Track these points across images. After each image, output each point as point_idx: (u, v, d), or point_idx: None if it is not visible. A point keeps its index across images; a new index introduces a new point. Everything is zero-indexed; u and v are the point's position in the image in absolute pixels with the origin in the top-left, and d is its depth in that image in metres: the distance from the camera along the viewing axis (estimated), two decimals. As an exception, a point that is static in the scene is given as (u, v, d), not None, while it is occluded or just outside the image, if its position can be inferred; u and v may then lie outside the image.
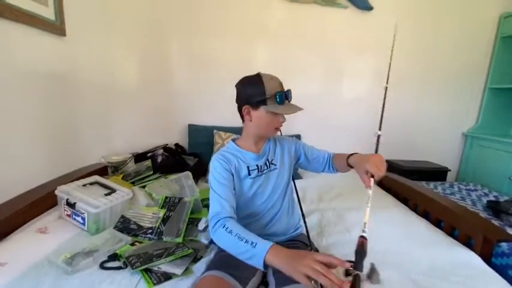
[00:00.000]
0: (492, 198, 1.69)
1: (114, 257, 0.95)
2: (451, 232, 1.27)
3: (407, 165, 2.22)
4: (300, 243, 1.01)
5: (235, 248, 0.74)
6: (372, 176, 0.78)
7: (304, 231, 1.08)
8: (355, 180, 1.11)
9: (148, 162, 1.72)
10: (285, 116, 0.93)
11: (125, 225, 1.13)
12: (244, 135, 0.99)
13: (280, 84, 0.92)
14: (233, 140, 1.01)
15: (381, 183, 1.99)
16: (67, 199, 1.11)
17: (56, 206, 1.23)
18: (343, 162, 0.96)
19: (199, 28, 2.09)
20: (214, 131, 2.04)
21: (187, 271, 0.92)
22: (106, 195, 1.17)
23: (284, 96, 0.90)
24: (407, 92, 2.37)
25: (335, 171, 1.07)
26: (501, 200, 1.58)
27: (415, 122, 2.43)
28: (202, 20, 2.09)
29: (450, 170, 2.29)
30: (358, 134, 2.40)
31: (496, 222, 1.35)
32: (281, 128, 0.97)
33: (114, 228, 1.12)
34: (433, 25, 2.28)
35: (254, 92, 0.88)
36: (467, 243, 1.17)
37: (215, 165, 0.92)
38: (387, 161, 2.60)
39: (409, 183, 1.68)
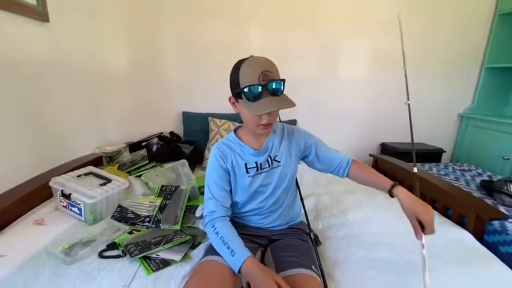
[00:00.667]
0: (486, 178, 1.71)
1: (112, 246, 0.96)
2: (444, 212, 1.29)
3: (402, 147, 2.23)
4: (300, 230, 1.00)
5: (218, 249, 0.81)
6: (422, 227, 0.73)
7: (304, 219, 1.07)
8: None
9: (143, 152, 1.71)
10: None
11: (122, 215, 1.13)
12: (244, 125, 0.91)
13: (262, 73, 0.74)
14: (235, 130, 0.94)
15: (377, 166, 2.01)
16: (62, 190, 1.11)
17: (51, 198, 1.23)
18: (379, 186, 0.88)
19: (191, 11, 2.02)
20: (209, 118, 2.01)
21: (185, 257, 0.93)
22: (101, 185, 1.17)
23: (261, 90, 0.74)
24: (402, 74, 2.32)
25: (345, 177, 0.97)
26: (494, 179, 1.60)
27: (412, 104, 2.41)
28: (194, 3, 2.01)
29: (445, 151, 2.31)
30: (356, 117, 2.40)
31: (489, 201, 1.37)
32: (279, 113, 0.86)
33: (112, 217, 1.12)
34: (430, 4, 2.22)
35: (232, 81, 0.79)
36: (461, 222, 1.19)
37: (212, 160, 0.90)
38: (384, 144, 2.61)
39: (403, 165, 1.70)
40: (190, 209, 1.20)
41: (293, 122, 2.20)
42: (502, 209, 1.29)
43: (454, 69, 2.37)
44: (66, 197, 1.10)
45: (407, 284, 0.85)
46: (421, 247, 0.72)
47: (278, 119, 0.92)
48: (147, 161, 1.63)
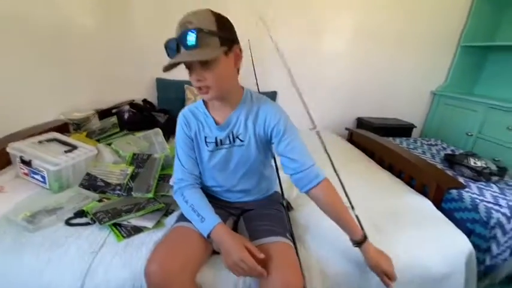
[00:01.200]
0: (449, 152, 1.83)
1: (80, 213, 0.93)
2: (409, 182, 1.37)
3: (377, 122, 2.30)
4: (274, 201, 0.99)
5: (188, 216, 0.80)
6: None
7: (279, 189, 1.05)
8: (325, 138, 1.12)
9: (114, 119, 1.62)
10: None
11: (91, 183, 1.09)
12: None
13: (181, 25, 0.66)
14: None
15: (352, 140, 2.07)
16: (21, 156, 1.03)
17: (11, 165, 1.14)
18: (347, 230, 0.79)
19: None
20: (185, 85, 1.92)
21: (158, 224, 0.92)
22: (66, 152, 1.10)
23: (175, 43, 0.66)
24: (381, 48, 2.33)
25: (303, 192, 0.82)
26: (457, 153, 1.71)
27: (387, 79, 2.45)
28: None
29: (416, 127, 2.42)
30: (335, 91, 2.40)
31: (450, 173, 1.48)
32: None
33: (79, 186, 1.07)
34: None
35: None
36: (423, 191, 1.28)
37: (178, 127, 0.86)
38: (360, 119, 2.66)
39: (375, 138, 1.76)
40: (164, 178, 1.17)
41: (273, 94, 2.16)
42: (461, 179, 1.40)
43: (431, 47, 2.40)
44: (27, 163, 1.02)
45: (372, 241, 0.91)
46: None
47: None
48: (118, 129, 1.56)
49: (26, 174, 1.06)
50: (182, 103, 1.91)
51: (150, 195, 1.05)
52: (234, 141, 0.83)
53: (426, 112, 2.61)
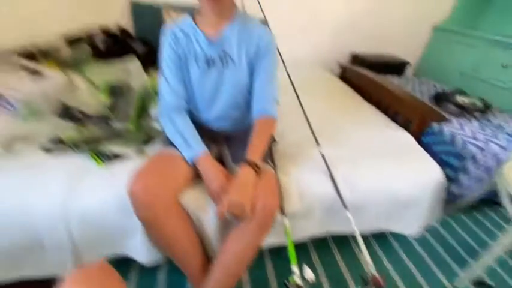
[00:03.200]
0: (440, 91, 1.81)
1: (57, 142, 0.90)
2: (394, 117, 1.38)
3: (371, 58, 2.19)
4: None
5: (174, 140, 0.81)
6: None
7: None
8: (316, 74, 1.05)
9: (86, 48, 1.46)
10: None
11: (67, 113, 1.04)
12: (201, 8, 0.79)
13: None
14: (191, 14, 0.83)
15: (345, 77, 1.99)
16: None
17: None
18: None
19: None
20: (163, 9, 1.70)
21: (141, 152, 0.92)
22: (34, 77, 1.01)
23: None
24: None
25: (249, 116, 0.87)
26: (448, 91, 1.69)
27: (385, 13, 2.24)
28: None
29: (410, 64, 2.33)
30: (328, 24, 2.22)
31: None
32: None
33: (56, 115, 1.02)
34: None
35: None
36: (406, 126, 1.29)
37: (165, 44, 0.81)
38: (355, 54, 2.51)
39: (365, 73, 1.70)
40: (143, 108, 1.13)
41: (263, 22, 1.97)
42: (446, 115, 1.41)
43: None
44: (-8, 90, 0.94)
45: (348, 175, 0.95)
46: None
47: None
48: (92, 60, 1.42)
49: (-7, 102, 0.98)
50: (160, 29, 1.72)
51: (131, 125, 1.02)
52: (226, 62, 0.81)
53: (422, 48, 2.49)
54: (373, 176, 0.97)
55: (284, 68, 1.18)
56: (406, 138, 1.18)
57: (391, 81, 1.77)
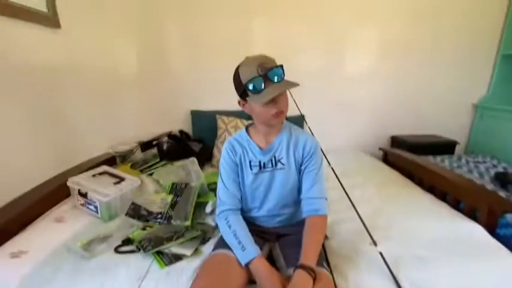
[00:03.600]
0: (501, 170, 1.67)
1: (127, 241, 1.01)
2: (456, 205, 1.27)
3: (414, 140, 2.19)
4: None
5: (229, 241, 0.85)
6: None
7: None
8: (359, 159, 1.10)
9: (154, 150, 1.76)
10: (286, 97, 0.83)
11: (135, 211, 1.18)
12: (255, 123, 0.93)
13: (260, 65, 0.77)
14: (246, 127, 0.97)
15: (387, 160, 1.99)
16: (79, 189, 1.16)
17: (70, 196, 1.29)
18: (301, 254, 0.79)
19: (197, 11, 2.03)
20: (217, 115, 2.04)
21: (196, 252, 0.97)
22: (115, 184, 1.22)
23: (263, 80, 0.76)
24: (413, 61, 2.27)
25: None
26: (510, 171, 1.55)
27: (422, 94, 2.34)
28: (199, 3, 2.02)
29: (459, 143, 2.25)
30: (365, 110, 2.35)
31: (502, 194, 1.34)
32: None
33: (126, 215, 1.17)
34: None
35: (236, 84, 0.84)
36: (473, 215, 1.17)
37: (223, 153, 0.95)
38: (394, 137, 2.54)
39: (413, 158, 1.67)
40: (200, 206, 1.23)
41: (301, 118, 2.20)
42: (517, 201, 1.26)
43: (467, 56, 2.28)
44: (83, 195, 1.15)
45: (416, 278, 0.85)
46: None
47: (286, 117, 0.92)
48: (158, 159, 1.68)
49: (82, 204, 1.19)
50: (215, 132, 2.02)
51: (188, 222, 1.11)
52: (276, 164, 0.91)
53: (469, 126, 2.43)
54: (446, 277, 0.85)
55: (328, 164, 1.24)
56: (479, 232, 1.05)
57: (443, 165, 1.71)
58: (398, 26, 2.17)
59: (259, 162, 0.91)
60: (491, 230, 1.07)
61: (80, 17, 1.56)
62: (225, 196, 0.92)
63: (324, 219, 0.88)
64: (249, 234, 0.86)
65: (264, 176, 0.92)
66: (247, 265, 0.79)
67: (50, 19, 1.32)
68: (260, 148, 0.92)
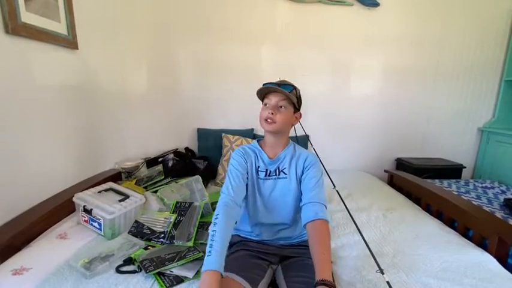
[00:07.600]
0: (510, 196, 1.63)
1: (129, 261, 1.00)
2: (465, 233, 1.24)
3: (419, 163, 2.17)
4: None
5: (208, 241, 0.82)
6: None
7: None
8: (364, 181, 1.10)
9: (159, 167, 1.77)
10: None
11: (138, 230, 1.18)
12: (264, 138, 1.06)
13: (282, 81, 1.00)
14: (258, 141, 1.08)
15: (392, 183, 1.97)
16: (84, 206, 1.17)
17: (74, 212, 1.29)
18: (316, 267, 0.77)
19: (205, 33, 2.12)
20: (223, 134, 2.07)
21: (198, 274, 0.95)
22: (120, 201, 1.22)
23: (272, 84, 0.95)
24: (419, 88, 2.32)
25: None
26: (519, 197, 1.52)
27: (428, 118, 2.37)
28: (208, 25, 2.11)
29: (465, 167, 2.23)
30: (370, 133, 2.37)
31: (513, 222, 1.30)
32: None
33: (129, 233, 1.16)
34: (442, 18, 2.21)
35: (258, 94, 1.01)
36: (482, 244, 1.14)
37: (235, 156, 1.02)
38: (399, 159, 2.55)
39: (420, 182, 1.65)
40: (203, 226, 1.22)
41: (305, 138, 2.21)
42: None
43: (472, 83, 2.32)
44: (88, 212, 1.16)
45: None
46: None
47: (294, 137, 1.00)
48: (163, 176, 1.69)
49: (86, 221, 1.19)
50: (220, 150, 2.04)
51: (191, 243, 1.10)
52: (279, 174, 1.01)
53: (475, 150, 2.42)
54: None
55: (333, 187, 1.24)
56: (490, 262, 1.02)
57: (450, 190, 1.68)
58: (402, 53, 2.24)
59: (266, 169, 1.01)
60: (503, 261, 1.04)
61: (95, 39, 1.65)
62: (228, 188, 0.94)
63: (326, 223, 0.86)
64: (226, 243, 0.81)
65: (268, 182, 1.00)
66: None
67: (70, 41, 1.40)
68: (269, 158, 1.01)
